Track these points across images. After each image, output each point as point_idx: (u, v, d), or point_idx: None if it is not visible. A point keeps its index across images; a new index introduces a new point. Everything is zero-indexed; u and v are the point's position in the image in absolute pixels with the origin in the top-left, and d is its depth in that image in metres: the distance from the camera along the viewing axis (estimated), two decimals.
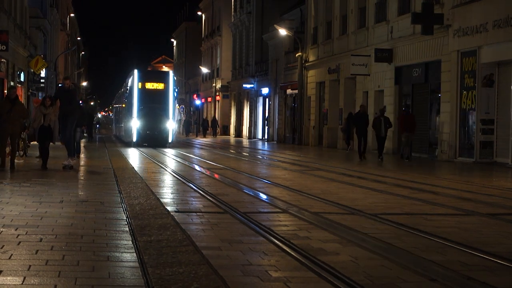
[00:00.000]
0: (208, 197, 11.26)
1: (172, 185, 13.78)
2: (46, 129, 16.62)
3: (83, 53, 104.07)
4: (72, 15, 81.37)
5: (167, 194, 11.93)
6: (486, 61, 22.92)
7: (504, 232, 8.48)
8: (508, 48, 21.60)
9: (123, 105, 40.93)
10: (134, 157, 24.62)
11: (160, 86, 34.64)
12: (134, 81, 34.56)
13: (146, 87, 34.40)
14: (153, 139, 33.70)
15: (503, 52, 22.02)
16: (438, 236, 7.80)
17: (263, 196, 11.95)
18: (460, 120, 24.25)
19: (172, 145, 34.45)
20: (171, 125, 34.55)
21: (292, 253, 6.66)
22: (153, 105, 33.97)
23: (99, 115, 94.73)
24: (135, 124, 33.83)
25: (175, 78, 41.88)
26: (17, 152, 20.58)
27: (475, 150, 23.21)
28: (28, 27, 41.97)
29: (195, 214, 9.38)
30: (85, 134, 38.65)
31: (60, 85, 18.66)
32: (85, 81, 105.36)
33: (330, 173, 17.60)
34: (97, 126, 48.37)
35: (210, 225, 8.41)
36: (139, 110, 33.85)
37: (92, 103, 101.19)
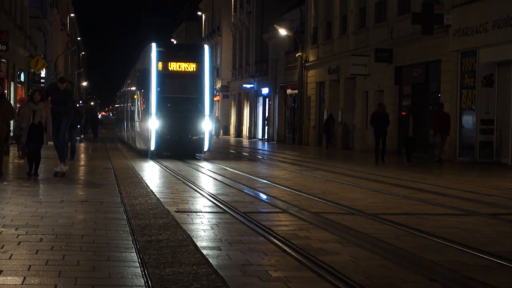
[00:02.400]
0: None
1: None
2: (36, 128, 13.95)
3: (83, 53, 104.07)
4: (72, 15, 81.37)
5: None
6: (486, 61, 22.92)
7: (504, 232, 8.48)
8: (508, 48, 21.61)
9: (135, 97, 26.02)
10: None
11: (191, 66, 23.38)
12: (152, 60, 23.02)
13: (170, 68, 23.16)
14: (180, 146, 22.68)
15: (503, 52, 22.01)
16: (438, 236, 7.80)
17: (263, 196, 11.96)
18: (460, 120, 24.25)
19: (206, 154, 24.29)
20: (208, 125, 22.86)
21: (292, 253, 6.66)
22: (181, 95, 23.26)
23: (99, 115, 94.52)
24: (153, 124, 22.30)
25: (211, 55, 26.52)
26: (18, 153, 20.32)
27: (475, 150, 23.21)
28: (28, 27, 41.96)
29: (195, 214, 9.38)
30: (82, 136, 37.66)
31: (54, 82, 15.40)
32: (85, 81, 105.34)
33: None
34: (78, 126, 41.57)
35: (210, 225, 8.41)
36: (159, 103, 22.54)
37: (92, 103, 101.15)
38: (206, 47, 24.39)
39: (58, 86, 14.76)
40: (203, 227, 8.26)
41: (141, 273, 5.62)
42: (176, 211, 9.39)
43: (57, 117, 14.35)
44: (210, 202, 10.67)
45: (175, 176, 15.63)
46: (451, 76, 24.67)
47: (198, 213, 9.43)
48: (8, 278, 5.35)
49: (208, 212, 9.54)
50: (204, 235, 7.67)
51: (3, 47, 29.47)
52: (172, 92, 22.92)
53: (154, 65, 22.69)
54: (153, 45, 23.12)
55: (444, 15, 24.69)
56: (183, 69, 23.16)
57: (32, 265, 5.80)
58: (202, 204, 10.53)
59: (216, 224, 8.49)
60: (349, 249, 7.04)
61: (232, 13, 63.30)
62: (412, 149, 22.59)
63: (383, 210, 10.07)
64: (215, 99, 61.93)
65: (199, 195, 11.73)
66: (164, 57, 23.01)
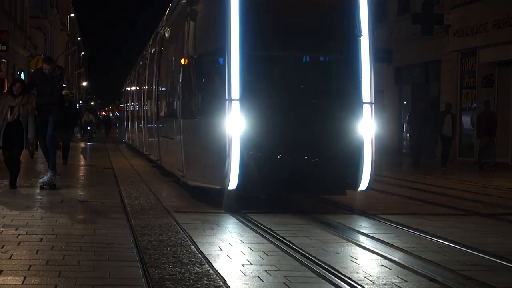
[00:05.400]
0: None
1: None
2: (13, 129, 11.20)
3: (83, 53, 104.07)
4: (72, 15, 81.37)
5: None
6: (486, 61, 22.91)
7: (504, 232, 8.49)
8: (508, 48, 21.59)
9: (177, 72, 11.50)
10: None
11: None
12: None
13: None
14: (298, 179, 9.41)
15: (503, 52, 22.00)
16: (438, 236, 7.80)
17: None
18: (460, 120, 24.23)
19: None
20: (368, 129, 9.51)
21: (292, 253, 6.66)
22: (301, 53, 10.17)
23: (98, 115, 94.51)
24: (234, 126, 9.12)
25: None
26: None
27: (475, 150, 23.20)
28: (29, 27, 41.95)
29: (195, 214, 9.37)
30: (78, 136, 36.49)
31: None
32: (85, 81, 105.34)
33: None
34: (89, 128, 38.88)
35: (210, 225, 8.40)
36: (248, 75, 9.54)
37: (92, 103, 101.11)
38: None
39: (44, 70, 11.58)
40: (203, 227, 8.26)
41: (141, 273, 5.62)
42: (176, 211, 9.38)
43: (43, 112, 11.45)
44: None
45: None
46: (451, 76, 24.67)
47: (198, 213, 9.42)
48: (8, 278, 5.35)
49: (208, 212, 9.52)
50: (205, 235, 7.67)
51: (3, 47, 29.45)
52: (279, 46, 9.88)
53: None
54: None
55: (444, 15, 24.68)
56: None
57: (32, 265, 5.80)
58: None
59: (217, 224, 8.49)
60: (349, 249, 7.04)
61: None
62: (448, 151, 20.20)
63: (383, 210, 10.05)
64: None
65: None
66: None
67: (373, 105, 9.66)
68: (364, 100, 9.60)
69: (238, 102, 9.17)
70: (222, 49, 9.41)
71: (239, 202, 9.49)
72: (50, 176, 11.56)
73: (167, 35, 14.23)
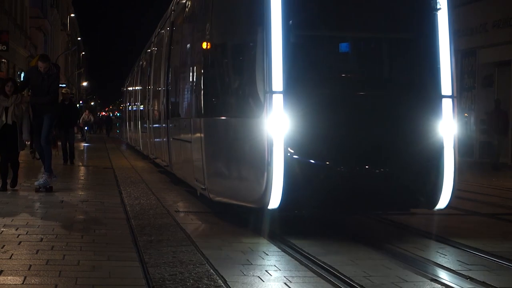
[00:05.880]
0: None
1: None
2: (8, 131, 10.75)
3: (83, 53, 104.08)
4: (72, 15, 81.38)
5: None
6: (486, 61, 22.91)
7: (504, 232, 8.48)
8: (508, 49, 21.58)
9: (197, 61, 9.26)
10: None
11: None
12: None
13: None
14: (360, 194, 7.37)
15: (503, 53, 22.00)
16: (438, 236, 7.80)
17: None
18: (460, 120, 24.22)
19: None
20: (449, 130, 7.51)
21: (292, 253, 6.66)
22: (361, 33, 7.91)
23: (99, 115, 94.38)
24: (276, 127, 7.10)
25: None
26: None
27: (474, 150, 23.18)
28: (29, 27, 41.96)
29: (195, 213, 9.37)
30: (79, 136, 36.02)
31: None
32: (85, 81, 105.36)
33: None
34: (86, 128, 36.91)
35: (210, 225, 8.40)
36: (294, 60, 7.35)
37: (92, 103, 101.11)
38: None
39: (39, 68, 11.07)
40: (203, 226, 8.26)
41: (141, 273, 5.62)
42: (176, 211, 9.39)
43: (38, 112, 10.98)
44: None
45: None
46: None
47: (198, 213, 9.42)
48: (9, 277, 5.35)
49: (208, 212, 9.53)
50: (205, 235, 7.67)
51: (4, 47, 29.47)
52: (333, 24, 7.96)
53: None
54: None
55: None
56: None
57: (32, 264, 5.80)
58: None
59: (216, 224, 8.49)
60: (349, 249, 7.04)
61: None
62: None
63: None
64: None
65: None
66: None
67: (455, 99, 7.58)
68: (443, 93, 7.52)
69: (281, 96, 7.11)
70: (259, 28, 7.34)
71: (276, 220, 7.80)
72: (46, 178, 11.12)
73: (180, 18, 11.86)
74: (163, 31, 14.73)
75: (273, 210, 7.22)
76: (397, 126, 7.43)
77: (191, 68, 9.84)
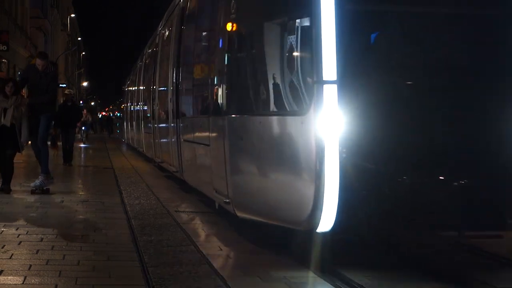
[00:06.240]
0: None
1: None
2: (7, 131, 10.48)
3: (83, 53, 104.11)
4: (72, 15, 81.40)
5: None
6: None
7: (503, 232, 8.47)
8: None
9: (223, 50, 7.36)
10: None
11: None
12: None
13: None
14: (444, 207, 5.72)
15: None
16: (438, 236, 7.79)
17: None
18: None
19: None
20: None
21: (292, 253, 6.66)
22: (435, 9, 6.10)
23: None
24: (326, 124, 5.38)
25: None
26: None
27: None
28: (29, 27, 41.97)
29: (195, 214, 9.38)
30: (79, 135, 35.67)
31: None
32: (86, 81, 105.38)
33: None
34: (84, 128, 35.63)
35: (210, 225, 8.40)
36: (348, 45, 5.58)
37: (92, 103, 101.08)
38: None
39: (37, 66, 10.71)
40: (203, 226, 8.26)
41: (141, 273, 5.62)
42: (176, 211, 9.39)
43: (35, 112, 10.65)
44: None
45: None
46: None
47: (198, 213, 9.42)
48: (9, 277, 5.35)
49: (208, 212, 9.53)
50: (205, 235, 7.67)
51: (4, 48, 29.45)
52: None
53: None
54: None
55: None
56: None
57: (32, 264, 5.80)
58: None
59: (216, 224, 8.49)
60: (349, 249, 7.04)
61: None
62: None
63: None
64: None
65: None
66: None
67: None
68: None
69: (334, 86, 5.41)
70: (305, 1, 5.70)
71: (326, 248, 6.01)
72: (42, 180, 10.80)
73: (193, 3, 10.52)
74: (172, 18, 13.04)
75: (324, 233, 5.63)
76: (486, 126, 5.87)
77: (208, 57, 8.61)
